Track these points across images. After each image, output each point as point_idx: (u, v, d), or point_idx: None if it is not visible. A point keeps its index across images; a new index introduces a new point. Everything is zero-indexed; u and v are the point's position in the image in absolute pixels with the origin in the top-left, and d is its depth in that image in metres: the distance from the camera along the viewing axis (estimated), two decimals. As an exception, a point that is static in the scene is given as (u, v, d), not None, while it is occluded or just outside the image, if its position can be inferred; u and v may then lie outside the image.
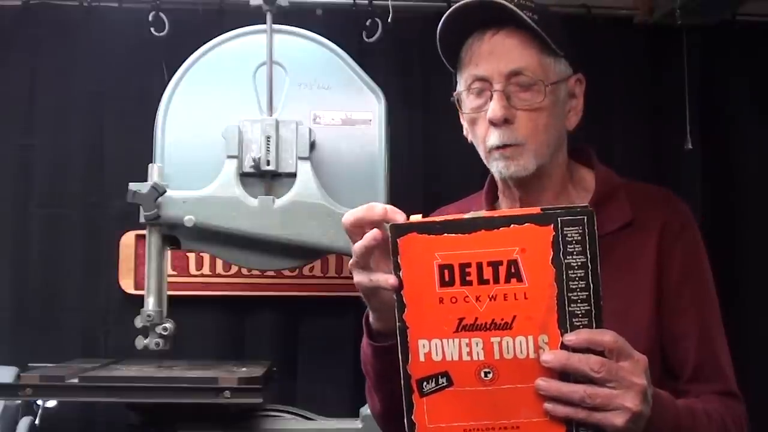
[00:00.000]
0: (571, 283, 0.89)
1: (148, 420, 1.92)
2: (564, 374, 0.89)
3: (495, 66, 1.14)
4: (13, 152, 2.39)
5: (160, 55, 2.24)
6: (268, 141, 1.90)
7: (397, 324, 0.92)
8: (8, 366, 2.00)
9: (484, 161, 1.21)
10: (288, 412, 2.05)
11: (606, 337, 0.89)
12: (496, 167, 1.17)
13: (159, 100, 1.96)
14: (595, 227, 0.88)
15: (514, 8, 1.11)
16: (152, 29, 2.19)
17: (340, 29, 2.22)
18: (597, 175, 1.25)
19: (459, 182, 2.18)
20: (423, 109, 2.44)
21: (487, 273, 0.89)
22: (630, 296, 1.16)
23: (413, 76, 2.45)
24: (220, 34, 2.00)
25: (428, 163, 2.42)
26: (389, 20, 2.17)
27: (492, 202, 1.29)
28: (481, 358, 0.90)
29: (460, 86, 1.20)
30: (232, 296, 2.38)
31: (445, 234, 0.89)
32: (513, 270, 0.89)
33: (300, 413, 2.06)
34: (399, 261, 0.90)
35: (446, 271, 0.89)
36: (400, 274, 0.90)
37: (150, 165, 1.90)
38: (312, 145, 1.92)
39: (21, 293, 2.35)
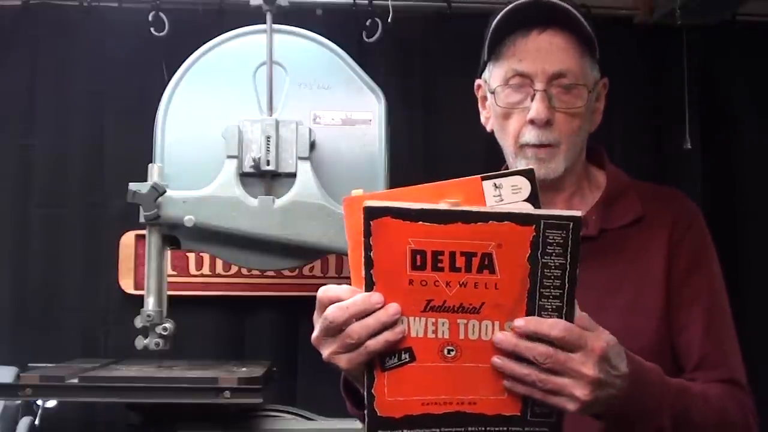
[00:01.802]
0: (545, 280, 0.89)
1: (148, 420, 1.93)
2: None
3: (540, 65, 1.14)
4: (13, 152, 2.40)
5: (160, 55, 2.24)
6: (268, 141, 1.90)
7: None
8: (8, 366, 2.01)
9: (509, 155, 1.21)
10: (288, 412, 2.05)
11: (554, 330, 0.89)
12: (525, 165, 1.16)
13: (159, 100, 1.96)
14: (580, 234, 0.88)
15: (569, 7, 1.13)
16: (152, 29, 2.19)
17: (340, 29, 2.23)
18: (608, 174, 1.27)
19: (459, 182, 2.17)
20: (423, 109, 2.44)
21: (460, 262, 0.88)
22: (641, 288, 1.17)
23: (413, 76, 2.45)
24: (220, 34, 2.00)
25: (428, 163, 2.42)
26: (389, 20, 2.17)
27: None
28: (446, 336, 0.90)
29: (496, 79, 1.19)
30: (232, 296, 2.38)
31: (421, 222, 0.88)
32: (486, 262, 0.88)
33: (300, 413, 2.06)
34: (371, 242, 0.88)
35: (418, 256, 0.88)
36: (371, 254, 0.88)
37: (150, 165, 1.90)
38: (312, 145, 1.92)
39: (21, 293, 2.35)
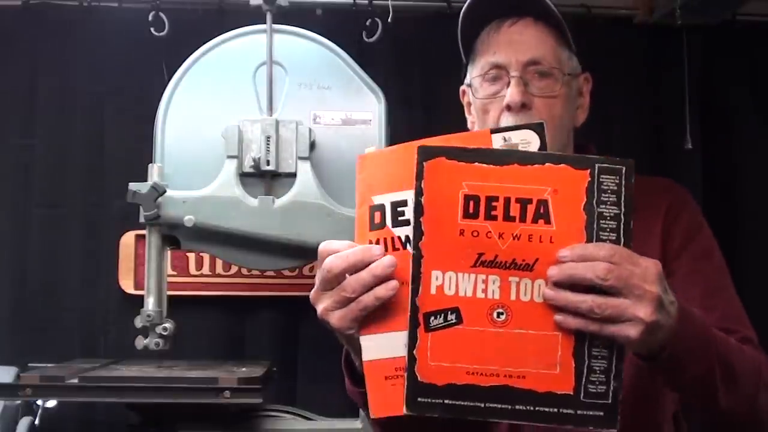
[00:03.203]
0: (601, 233, 0.84)
1: (148, 420, 1.93)
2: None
3: (513, 54, 1.15)
4: (13, 152, 2.40)
5: (160, 55, 2.23)
6: (268, 141, 1.90)
7: (412, 252, 0.87)
8: (8, 366, 2.01)
9: None
10: (288, 412, 2.05)
11: (602, 250, 0.84)
12: None
13: (159, 100, 1.96)
14: (633, 180, 0.85)
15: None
16: (152, 29, 2.19)
17: (340, 29, 2.22)
18: None
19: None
20: (423, 109, 2.44)
21: (515, 210, 0.84)
22: None
23: (413, 76, 2.45)
24: (220, 34, 2.00)
25: (428, 163, 2.41)
26: (389, 20, 2.17)
27: None
28: (496, 297, 0.85)
29: (474, 74, 1.20)
30: (232, 296, 2.38)
31: (476, 163, 0.84)
32: (542, 211, 0.84)
33: (300, 413, 2.06)
34: (422, 186, 0.85)
35: (471, 203, 0.84)
36: (422, 199, 0.85)
37: (150, 165, 1.90)
38: (312, 145, 1.92)
39: (21, 293, 2.35)
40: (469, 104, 1.25)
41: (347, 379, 1.09)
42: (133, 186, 1.85)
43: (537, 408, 0.86)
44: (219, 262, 2.37)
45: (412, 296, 0.87)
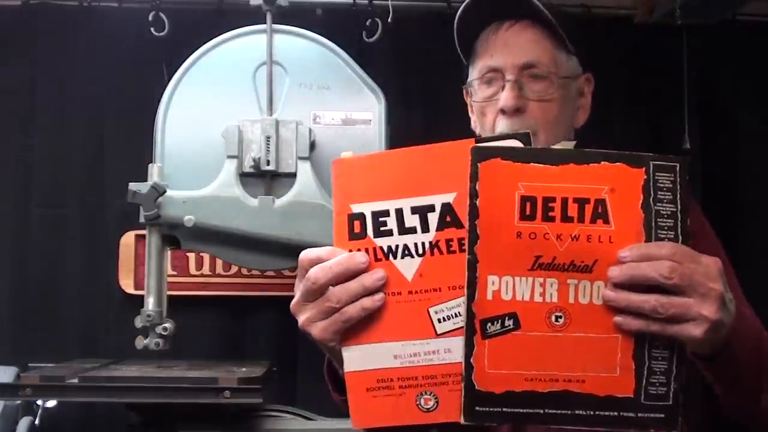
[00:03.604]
0: (660, 231, 0.83)
1: (148, 420, 1.93)
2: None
3: (508, 57, 1.15)
4: (13, 152, 2.40)
5: (160, 55, 2.24)
6: (268, 141, 1.90)
7: (468, 257, 0.84)
8: (8, 366, 2.01)
9: None
10: (288, 412, 2.05)
11: (664, 249, 0.82)
12: None
13: (159, 100, 1.96)
14: (687, 178, 0.84)
15: (536, 2, 1.12)
16: (152, 29, 2.19)
17: (340, 29, 2.22)
18: None
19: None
20: (423, 109, 2.44)
21: (572, 210, 0.82)
22: None
23: (413, 76, 2.45)
24: (220, 34, 2.00)
25: (428, 163, 2.41)
26: (389, 20, 2.17)
27: None
28: (554, 300, 0.83)
29: (473, 77, 1.20)
30: (232, 296, 2.38)
31: (532, 163, 0.82)
32: (600, 210, 0.83)
33: (300, 413, 2.06)
34: (477, 187, 0.82)
35: (528, 204, 0.82)
36: (477, 202, 0.82)
37: (150, 165, 1.90)
38: (312, 145, 1.92)
39: (21, 293, 2.35)
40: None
41: (330, 386, 1.08)
42: (133, 186, 1.85)
43: (597, 412, 0.84)
44: (219, 262, 2.37)
45: (467, 302, 0.85)
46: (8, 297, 2.34)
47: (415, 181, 0.87)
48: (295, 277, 0.95)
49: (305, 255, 0.91)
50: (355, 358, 0.89)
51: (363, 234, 0.88)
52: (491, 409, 0.85)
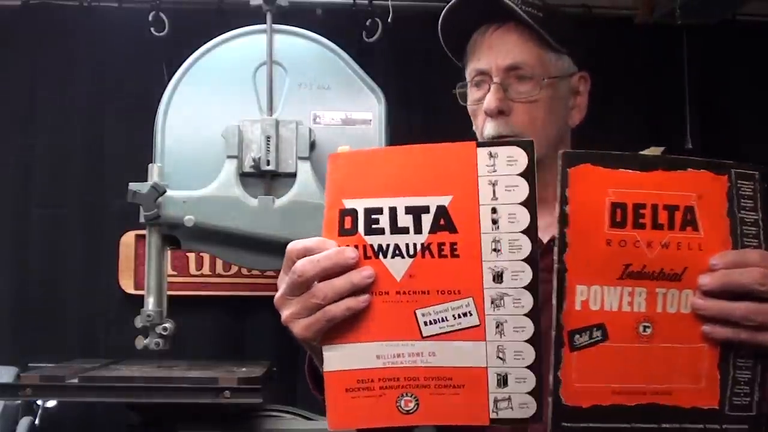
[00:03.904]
0: (745, 239, 0.82)
1: (148, 420, 1.92)
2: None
3: (494, 60, 1.15)
4: (13, 152, 2.40)
5: (160, 55, 2.24)
6: (268, 141, 1.90)
7: (556, 266, 0.82)
8: (8, 366, 2.01)
9: None
10: (288, 412, 2.05)
11: (753, 256, 0.81)
12: None
13: (159, 100, 1.96)
14: (767, 186, 0.84)
15: (510, 3, 1.12)
16: (152, 29, 2.19)
17: (340, 29, 2.23)
18: None
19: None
20: (423, 109, 2.44)
21: (662, 217, 0.81)
22: None
23: (413, 76, 2.45)
24: (220, 34, 2.00)
25: (428, 163, 2.41)
26: (389, 20, 2.18)
27: None
28: (642, 309, 0.81)
29: (466, 80, 1.21)
30: (232, 296, 2.38)
31: (621, 168, 0.81)
32: (689, 217, 0.81)
33: (300, 413, 2.06)
34: (567, 194, 0.80)
35: (618, 211, 0.81)
36: (567, 209, 0.80)
37: (150, 165, 1.90)
38: (312, 145, 1.92)
39: (21, 293, 2.35)
40: None
41: (311, 384, 1.06)
42: (133, 186, 1.85)
43: (683, 425, 0.83)
44: (219, 262, 2.37)
45: (556, 313, 0.82)
46: (8, 297, 2.35)
47: (412, 181, 0.85)
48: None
49: (293, 246, 0.88)
50: (336, 358, 0.86)
51: (354, 230, 0.86)
52: (578, 425, 0.82)
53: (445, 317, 0.84)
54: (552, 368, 0.82)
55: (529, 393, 0.83)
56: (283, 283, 0.89)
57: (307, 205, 1.88)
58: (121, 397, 1.80)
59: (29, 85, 2.40)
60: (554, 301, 0.82)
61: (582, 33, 1.22)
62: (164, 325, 1.88)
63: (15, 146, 2.40)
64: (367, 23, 2.22)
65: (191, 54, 1.98)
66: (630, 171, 0.82)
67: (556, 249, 0.82)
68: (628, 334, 0.82)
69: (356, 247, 0.85)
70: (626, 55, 2.51)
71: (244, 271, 2.36)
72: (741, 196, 0.83)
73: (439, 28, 1.20)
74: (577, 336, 0.82)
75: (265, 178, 1.93)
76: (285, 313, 0.89)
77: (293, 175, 1.91)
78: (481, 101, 1.16)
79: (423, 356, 0.85)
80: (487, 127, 1.14)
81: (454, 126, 1.27)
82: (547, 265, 1.10)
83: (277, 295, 0.90)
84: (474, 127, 1.25)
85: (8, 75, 2.40)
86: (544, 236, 1.14)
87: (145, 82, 2.31)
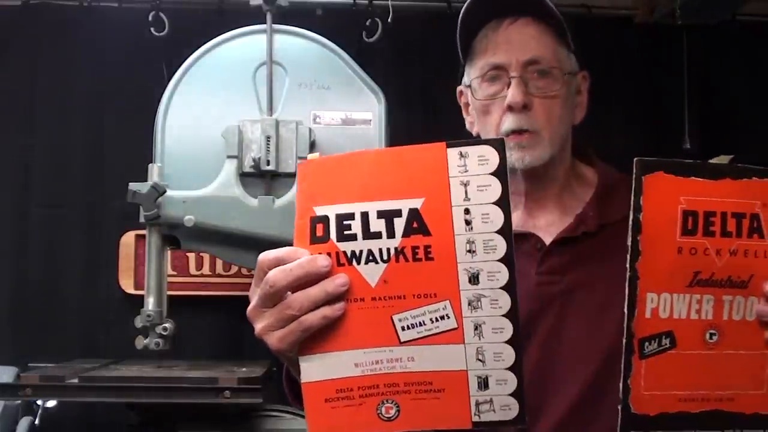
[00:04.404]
0: None
1: (148, 420, 1.93)
2: None
3: (513, 55, 1.13)
4: (13, 152, 2.40)
5: (160, 55, 2.24)
6: (268, 141, 1.90)
7: (628, 273, 0.83)
8: (8, 366, 2.01)
9: None
10: (288, 412, 2.05)
11: None
12: (510, 158, 1.13)
13: (159, 100, 1.96)
14: None
15: None
16: (152, 29, 2.19)
17: (340, 29, 2.22)
18: (598, 171, 1.25)
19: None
20: (423, 109, 2.44)
21: (731, 225, 0.82)
22: None
23: (413, 76, 2.46)
24: (220, 34, 2.00)
25: (428, 163, 2.41)
26: (389, 20, 2.17)
27: None
28: (709, 317, 0.83)
29: (473, 75, 1.19)
30: (232, 296, 2.38)
31: (692, 177, 0.82)
32: (755, 225, 0.83)
33: (300, 413, 2.06)
34: (641, 202, 0.81)
35: (690, 218, 0.82)
36: (641, 216, 0.81)
37: (150, 165, 1.90)
38: (312, 145, 1.92)
39: (21, 293, 2.35)
40: (467, 105, 1.24)
41: (289, 396, 1.05)
42: (133, 186, 1.85)
43: (744, 431, 0.85)
44: (219, 262, 2.37)
45: (627, 321, 0.83)
46: (8, 297, 2.35)
47: (383, 185, 0.84)
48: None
49: (264, 256, 0.86)
50: (314, 368, 0.85)
51: (326, 237, 0.84)
52: None
53: (423, 321, 0.84)
54: (622, 376, 0.82)
55: (511, 395, 0.83)
56: (255, 295, 0.87)
57: (307, 205, 1.88)
58: (121, 397, 1.80)
59: (29, 85, 2.40)
60: (625, 309, 0.83)
61: (577, 33, 1.22)
62: (164, 325, 1.88)
63: (15, 146, 2.40)
64: (367, 23, 2.22)
65: (191, 54, 1.98)
66: (700, 179, 0.83)
67: (628, 257, 0.82)
68: (696, 341, 0.83)
69: (329, 254, 0.84)
70: (626, 55, 2.51)
71: (244, 271, 2.35)
72: None
73: (460, 22, 1.17)
74: (647, 344, 0.82)
75: (265, 178, 1.93)
76: (259, 326, 0.87)
77: (293, 175, 1.90)
78: (495, 96, 1.15)
79: (402, 362, 0.84)
80: (506, 122, 1.13)
81: (455, 126, 1.27)
82: (552, 266, 1.10)
83: (250, 307, 0.88)
84: (470, 125, 1.24)
85: (8, 75, 2.40)
86: (546, 236, 1.14)
87: (145, 82, 2.30)
